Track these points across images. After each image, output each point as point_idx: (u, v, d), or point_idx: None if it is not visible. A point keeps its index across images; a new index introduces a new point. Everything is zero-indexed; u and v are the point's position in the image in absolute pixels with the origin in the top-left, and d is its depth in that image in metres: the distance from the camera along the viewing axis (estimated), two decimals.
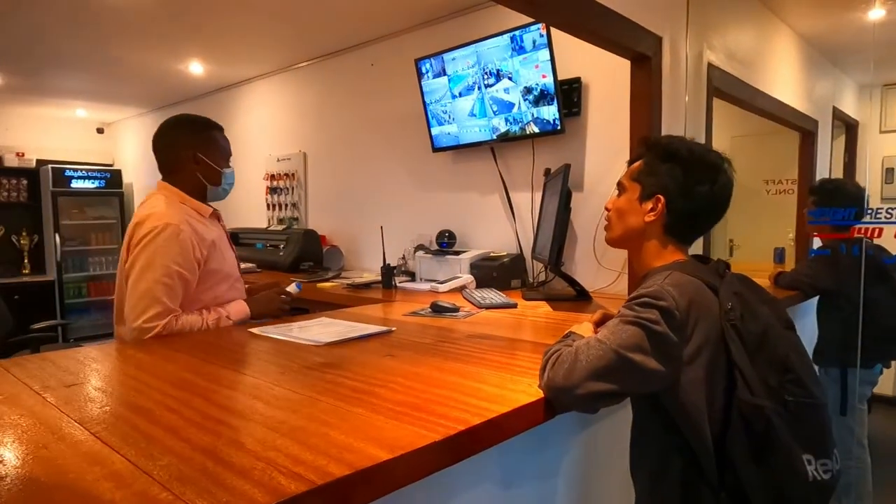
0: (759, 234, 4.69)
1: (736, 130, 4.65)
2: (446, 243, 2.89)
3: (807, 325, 2.70)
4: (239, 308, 1.79)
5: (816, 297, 2.60)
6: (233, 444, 0.80)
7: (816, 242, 3.13)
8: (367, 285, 2.78)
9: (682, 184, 1.11)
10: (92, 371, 1.23)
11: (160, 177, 1.81)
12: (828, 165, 4.13)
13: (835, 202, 2.40)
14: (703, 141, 2.45)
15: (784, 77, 3.41)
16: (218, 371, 1.21)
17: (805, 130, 3.71)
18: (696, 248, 2.39)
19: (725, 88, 2.60)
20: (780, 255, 4.01)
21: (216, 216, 1.85)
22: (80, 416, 0.92)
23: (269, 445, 0.79)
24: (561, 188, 2.05)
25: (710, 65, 2.47)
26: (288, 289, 2.02)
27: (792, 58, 3.52)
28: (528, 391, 1.04)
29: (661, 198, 1.12)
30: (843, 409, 2.36)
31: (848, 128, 4.88)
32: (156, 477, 0.70)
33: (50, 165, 5.63)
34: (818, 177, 3.78)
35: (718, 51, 2.55)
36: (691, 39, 2.27)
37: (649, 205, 1.14)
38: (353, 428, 0.86)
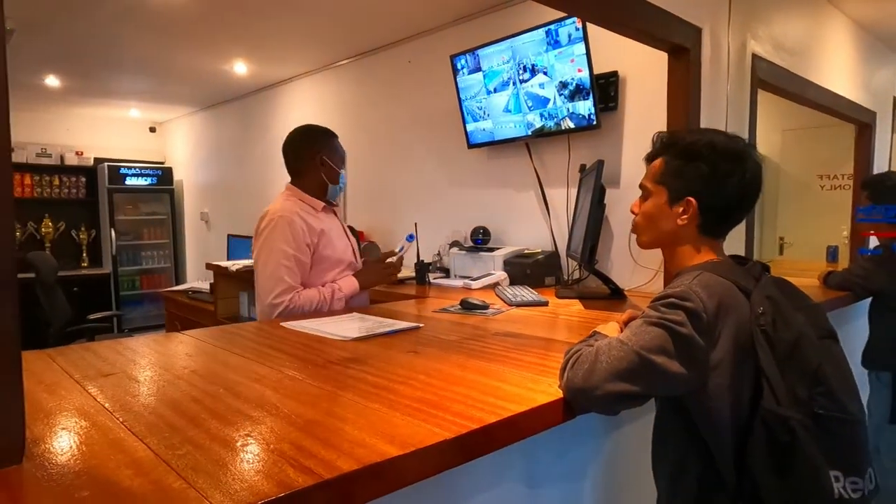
0: (811, 232, 4.50)
1: (787, 124, 4.47)
2: (481, 240, 2.88)
3: (857, 329, 2.57)
4: (349, 282, 2.00)
5: (868, 299, 2.47)
6: (249, 435, 0.82)
7: (873, 242, 2.97)
8: (401, 281, 2.80)
9: (711, 181, 1.06)
10: (128, 362, 1.28)
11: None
12: (887, 159, 3.92)
13: (889, 198, 2.27)
14: (745, 135, 2.37)
15: (838, 67, 3.24)
16: (246, 364, 1.25)
17: (861, 123, 3.52)
18: (738, 248, 2.31)
19: (772, 80, 2.50)
20: (833, 254, 3.83)
21: (331, 211, 2.10)
22: (112, 404, 0.97)
23: (283, 438, 0.81)
24: (594, 184, 2.02)
25: (754, 56, 2.38)
26: (396, 249, 2.20)
27: (847, 46, 3.34)
28: (548, 391, 1.03)
29: (693, 200, 1.08)
30: (893, 417, 2.24)
31: None
32: (173, 466, 0.72)
33: (106, 163, 5.91)
34: (876, 171, 3.58)
35: (764, 41, 2.45)
36: (734, 30, 2.19)
37: (680, 208, 1.10)
38: (369, 424, 0.87)
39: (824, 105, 3.05)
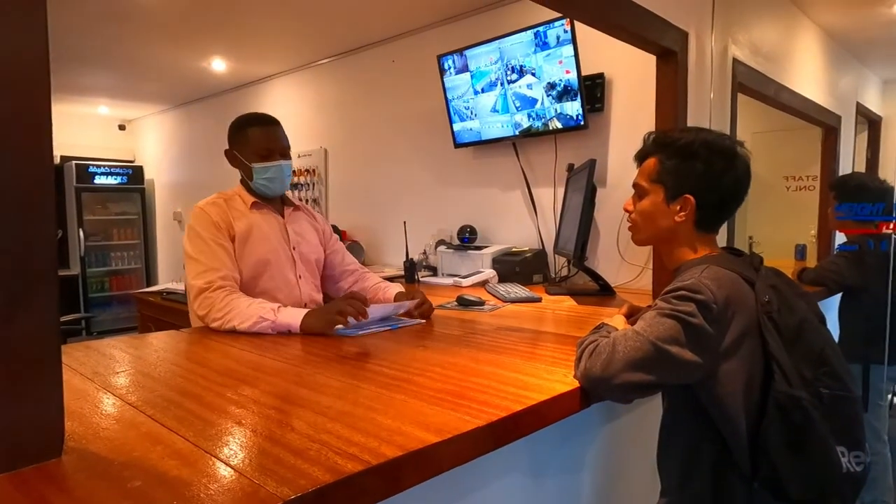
0: (779, 231, 4.66)
1: (757, 126, 4.62)
2: (467, 238, 2.91)
3: (828, 323, 2.69)
4: (290, 314, 1.51)
5: (837, 295, 2.59)
6: (284, 426, 0.83)
7: (840, 238, 3.11)
8: (389, 280, 2.80)
9: (707, 179, 1.11)
10: (136, 359, 1.26)
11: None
12: (850, 161, 4.09)
13: (852, 197, 2.41)
14: None
15: (808, 72, 3.38)
16: (257, 359, 1.24)
17: (828, 126, 3.68)
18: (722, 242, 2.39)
19: (750, 84, 2.60)
20: (801, 252, 3.98)
21: (271, 207, 1.82)
22: (134, 400, 0.96)
23: (320, 428, 0.82)
24: (585, 183, 2.06)
25: (734, 60, 2.46)
26: (408, 302, 1.71)
27: (816, 53, 3.49)
28: (563, 380, 1.06)
29: (691, 198, 1.12)
30: (864, 405, 2.36)
31: (871, 123, 4.82)
32: (218, 456, 0.73)
33: (74, 162, 5.73)
34: (841, 172, 3.74)
35: (743, 46, 2.54)
36: (717, 34, 2.27)
37: (678, 205, 1.14)
38: (399, 413, 0.89)
39: (795, 108, 3.18)
